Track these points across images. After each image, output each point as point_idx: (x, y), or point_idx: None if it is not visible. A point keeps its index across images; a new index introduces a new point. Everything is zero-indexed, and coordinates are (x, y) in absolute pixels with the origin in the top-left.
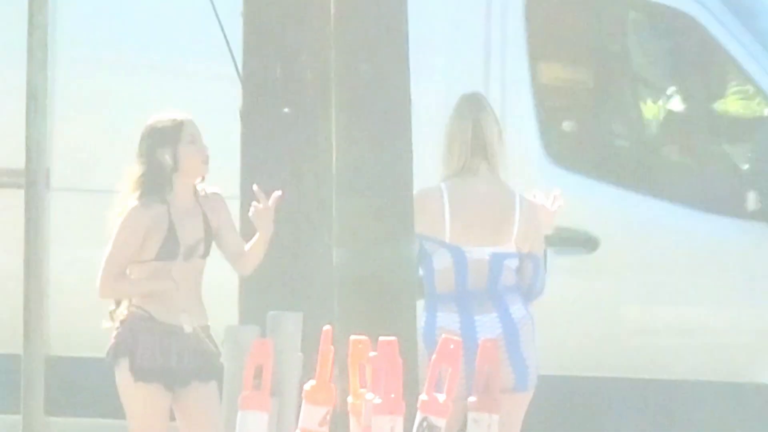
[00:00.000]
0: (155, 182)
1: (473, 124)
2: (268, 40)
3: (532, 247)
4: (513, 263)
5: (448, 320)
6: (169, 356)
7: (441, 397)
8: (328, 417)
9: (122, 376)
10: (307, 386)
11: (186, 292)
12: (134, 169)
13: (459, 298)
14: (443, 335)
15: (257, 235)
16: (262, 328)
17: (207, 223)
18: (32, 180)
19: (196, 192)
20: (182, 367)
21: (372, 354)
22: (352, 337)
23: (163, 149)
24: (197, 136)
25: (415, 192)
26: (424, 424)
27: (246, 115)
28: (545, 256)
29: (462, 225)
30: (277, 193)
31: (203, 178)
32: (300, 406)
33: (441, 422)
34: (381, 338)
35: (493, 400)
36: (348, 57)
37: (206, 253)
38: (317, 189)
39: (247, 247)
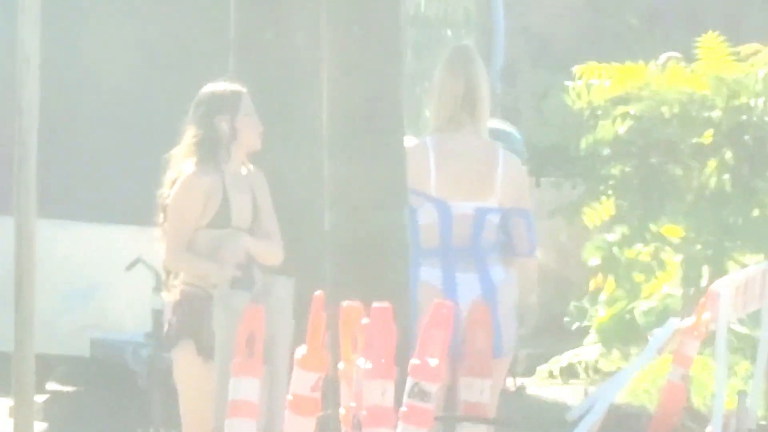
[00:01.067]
0: (212, 149)
1: (465, 79)
2: (260, 2)
3: (519, 202)
4: (495, 218)
5: (431, 275)
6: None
7: (433, 362)
8: (320, 382)
9: (185, 356)
10: (298, 352)
11: (236, 261)
12: (190, 135)
13: (443, 253)
14: (425, 290)
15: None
16: (255, 293)
17: (254, 198)
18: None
19: (246, 165)
20: None
21: (364, 320)
22: (345, 303)
23: (222, 117)
24: (252, 109)
25: None
26: (416, 389)
27: (238, 79)
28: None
29: (447, 179)
30: None
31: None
32: (292, 372)
33: (432, 387)
34: (374, 304)
35: (485, 365)
36: (340, 18)
37: (252, 229)
38: (310, 153)
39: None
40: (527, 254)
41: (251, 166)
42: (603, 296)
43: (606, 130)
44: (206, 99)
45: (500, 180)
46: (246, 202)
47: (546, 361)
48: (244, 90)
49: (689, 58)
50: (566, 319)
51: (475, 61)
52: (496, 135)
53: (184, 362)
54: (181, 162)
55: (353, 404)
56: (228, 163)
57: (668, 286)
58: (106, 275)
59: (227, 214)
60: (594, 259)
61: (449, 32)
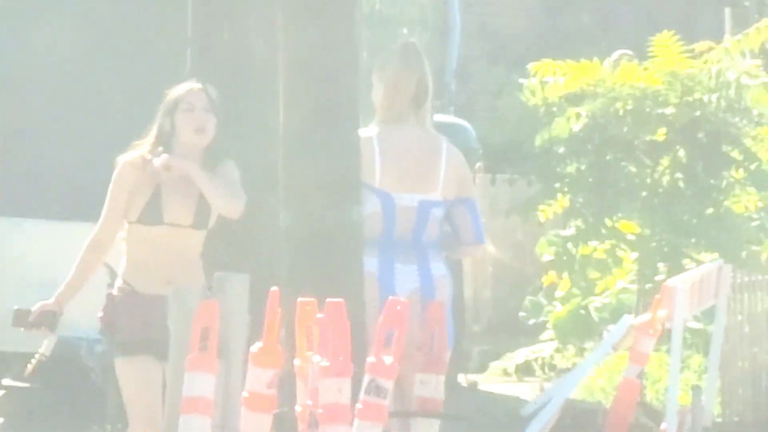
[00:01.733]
0: (155, 145)
1: (418, 75)
2: (216, 3)
3: (462, 192)
4: (439, 212)
5: (369, 264)
6: (152, 328)
7: (388, 359)
8: (275, 379)
9: (112, 351)
10: (254, 348)
11: (170, 262)
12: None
13: (383, 244)
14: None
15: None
16: (209, 289)
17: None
18: None
19: (207, 164)
20: (166, 336)
21: (319, 316)
22: (300, 299)
23: (165, 115)
24: (197, 105)
25: None
26: (372, 385)
27: (194, 78)
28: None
29: (392, 171)
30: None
31: (209, 150)
32: (247, 369)
33: (389, 384)
34: (328, 300)
35: (440, 362)
36: (294, 20)
37: (198, 225)
38: (265, 152)
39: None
40: (472, 242)
41: (222, 164)
42: (559, 293)
43: (561, 127)
44: (164, 99)
45: (444, 173)
46: (187, 200)
47: (499, 357)
48: (196, 87)
49: (643, 57)
50: (522, 314)
51: (424, 57)
52: (450, 129)
53: (114, 356)
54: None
55: (309, 402)
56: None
57: (623, 282)
58: (61, 272)
59: (158, 211)
60: (547, 255)
61: (405, 30)
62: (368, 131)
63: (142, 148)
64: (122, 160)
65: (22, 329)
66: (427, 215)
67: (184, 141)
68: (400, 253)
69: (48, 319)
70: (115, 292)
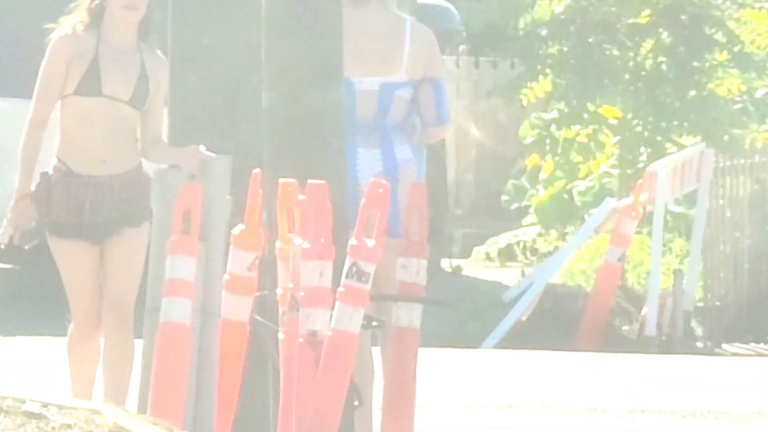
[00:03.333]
0: (88, 15)
1: None
2: None
3: (428, 72)
4: (405, 93)
5: None
6: (84, 209)
7: (370, 242)
8: (256, 262)
9: (53, 238)
10: (235, 230)
11: (105, 139)
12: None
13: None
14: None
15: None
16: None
17: (144, 75)
18: None
19: (137, 42)
20: (101, 219)
21: (301, 197)
22: (281, 181)
23: None
24: None
25: None
26: (354, 269)
27: None
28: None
29: (350, 55)
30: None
31: (143, 27)
32: (228, 251)
33: (370, 267)
34: (310, 182)
35: (421, 246)
36: None
37: (135, 102)
38: (246, 32)
39: (167, 146)
40: (434, 123)
41: (156, 51)
42: (542, 175)
43: (544, 9)
44: None
45: (408, 53)
46: (127, 74)
47: (483, 241)
48: None
49: None
50: (504, 198)
51: None
52: (433, 11)
53: (54, 243)
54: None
55: (291, 285)
56: (103, 29)
57: (606, 166)
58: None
59: (97, 81)
60: (530, 138)
61: None
62: None
63: (72, 21)
64: (55, 36)
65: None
66: (390, 98)
67: (116, 15)
68: (362, 138)
69: (33, 235)
70: (50, 171)
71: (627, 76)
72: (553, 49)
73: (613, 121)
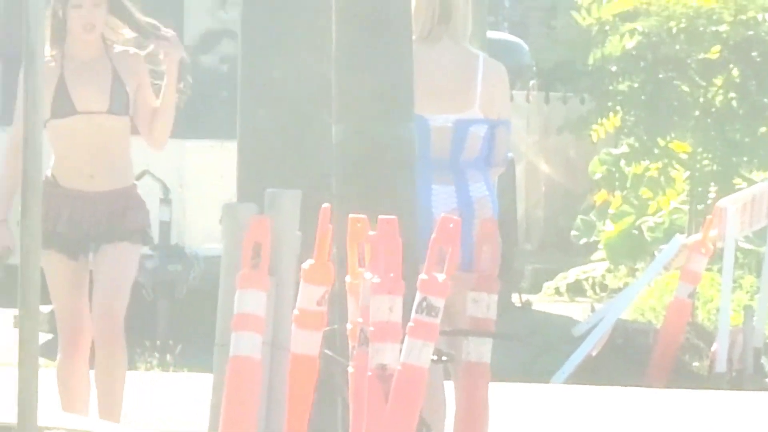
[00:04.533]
0: (52, 34)
1: None
2: None
3: (502, 110)
4: (480, 130)
5: None
6: (72, 223)
7: (440, 277)
8: (326, 296)
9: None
10: (305, 265)
11: (90, 154)
12: None
13: (419, 165)
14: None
15: (164, 83)
16: (261, 206)
17: (118, 80)
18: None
19: (106, 48)
20: (88, 233)
21: (371, 232)
22: (351, 216)
23: (56, 9)
24: (86, 1)
25: None
26: (424, 304)
27: None
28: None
29: (423, 92)
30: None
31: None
32: (298, 286)
33: (440, 302)
34: (380, 216)
35: (492, 281)
36: None
37: (115, 110)
38: (318, 65)
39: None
40: (502, 164)
41: (126, 50)
42: (611, 211)
43: (614, 45)
44: None
45: (481, 89)
46: (100, 85)
47: (552, 276)
48: None
49: None
50: (573, 233)
51: None
52: (504, 47)
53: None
54: None
55: (360, 319)
56: (66, 47)
57: (675, 202)
58: None
59: (68, 100)
60: (600, 174)
61: None
62: None
63: None
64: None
65: None
66: (465, 134)
67: (75, 36)
68: (437, 174)
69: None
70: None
71: (697, 112)
72: (624, 85)
73: (683, 156)
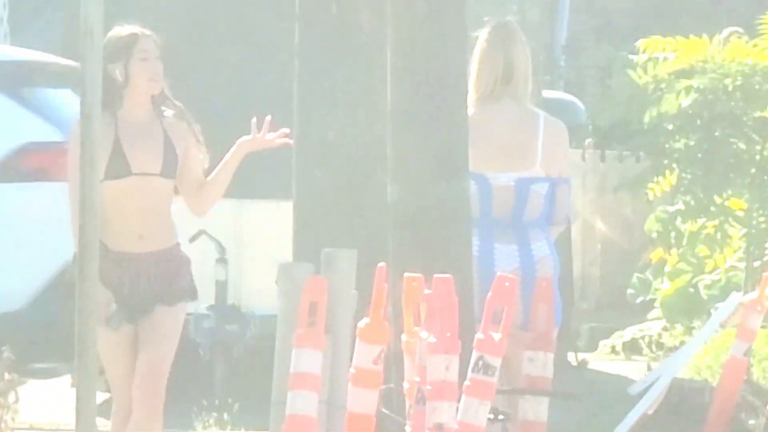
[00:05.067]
0: (105, 97)
1: (504, 55)
2: None
3: (563, 168)
4: (541, 188)
5: None
6: (122, 287)
7: (497, 336)
8: (382, 355)
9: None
10: (361, 324)
11: (141, 215)
12: None
13: (481, 224)
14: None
15: (224, 162)
16: (317, 265)
17: (169, 143)
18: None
19: (157, 111)
20: (138, 296)
21: (427, 291)
22: (407, 275)
23: (114, 65)
24: (150, 53)
25: None
26: (480, 363)
27: (302, 52)
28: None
29: (485, 152)
30: (269, 118)
31: (159, 96)
32: (354, 345)
33: (497, 361)
34: (436, 275)
35: (549, 339)
36: None
37: (166, 173)
38: (372, 126)
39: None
40: (563, 222)
41: (170, 112)
42: (667, 269)
43: (670, 103)
44: (104, 46)
45: (542, 148)
46: (153, 147)
47: (608, 335)
48: (143, 32)
49: (753, 34)
50: (630, 291)
51: (515, 36)
52: (559, 105)
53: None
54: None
55: (417, 378)
56: (122, 109)
57: (732, 259)
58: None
59: (123, 161)
60: (656, 232)
61: (514, 7)
62: None
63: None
64: (74, 122)
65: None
66: (527, 193)
67: (143, 90)
68: (499, 233)
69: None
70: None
71: (753, 170)
72: (680, 143)
73: (740, 214)
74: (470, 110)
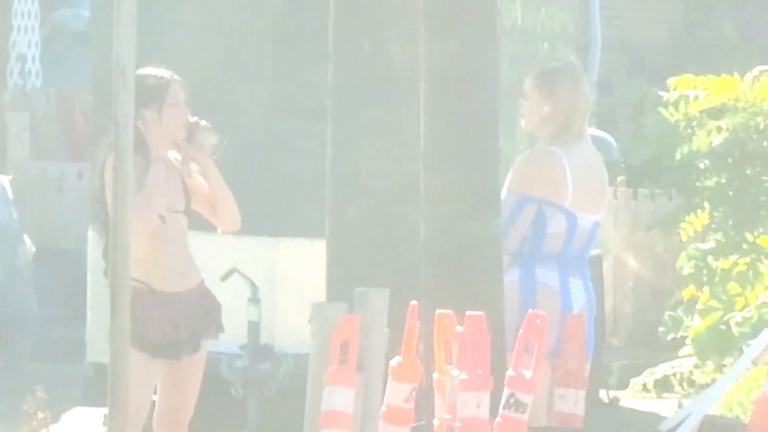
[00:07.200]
0: (138, 140)
1: (586, 96)
2: (356, 14)
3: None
4: (598, 231)
5: (548, 277)
6: (178, 326)
7: (528, 374)
8: (413, 393)
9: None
10: (393, 362)
11: (178, 253)
12: None
13: (561, 260)
14: (543, 290)
15: (202, 176)
16: (349, 304)
17: (181, 179)
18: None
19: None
20: (189, 334)
21: (459, 329)
22: (439, 312)
23: (146, 109)
24: (181, 98)
25: (527, 155)
26: (512, 400)
27: (334, 91)
28: None
29: (580, 191)
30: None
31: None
32: (386, 382)
33: (528, 398)
34: (467, 313)
35: (580, 376)
36: (437, 32)
37: (187, 211)
38: (404, 164)
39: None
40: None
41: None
42: (699, 306)
43: (701, 141)
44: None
45: (607, 191)
46: (176, 186)
47: (640, 372)
48: (173, 77)
49: None
50: (661, 329)
51: (584, 76)
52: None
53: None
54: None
55: (448, 415)
56: (146, 150)
57: (763, 296)
58: None
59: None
60: (687, 269)
61: (546, 45)
62: (552, 149)
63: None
64: (108, 161)
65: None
66: (594, 234)
67: (172, 134)
68: (571, 269)
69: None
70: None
71: None
72: (711, 181)
73: None
74: (561, 148)
